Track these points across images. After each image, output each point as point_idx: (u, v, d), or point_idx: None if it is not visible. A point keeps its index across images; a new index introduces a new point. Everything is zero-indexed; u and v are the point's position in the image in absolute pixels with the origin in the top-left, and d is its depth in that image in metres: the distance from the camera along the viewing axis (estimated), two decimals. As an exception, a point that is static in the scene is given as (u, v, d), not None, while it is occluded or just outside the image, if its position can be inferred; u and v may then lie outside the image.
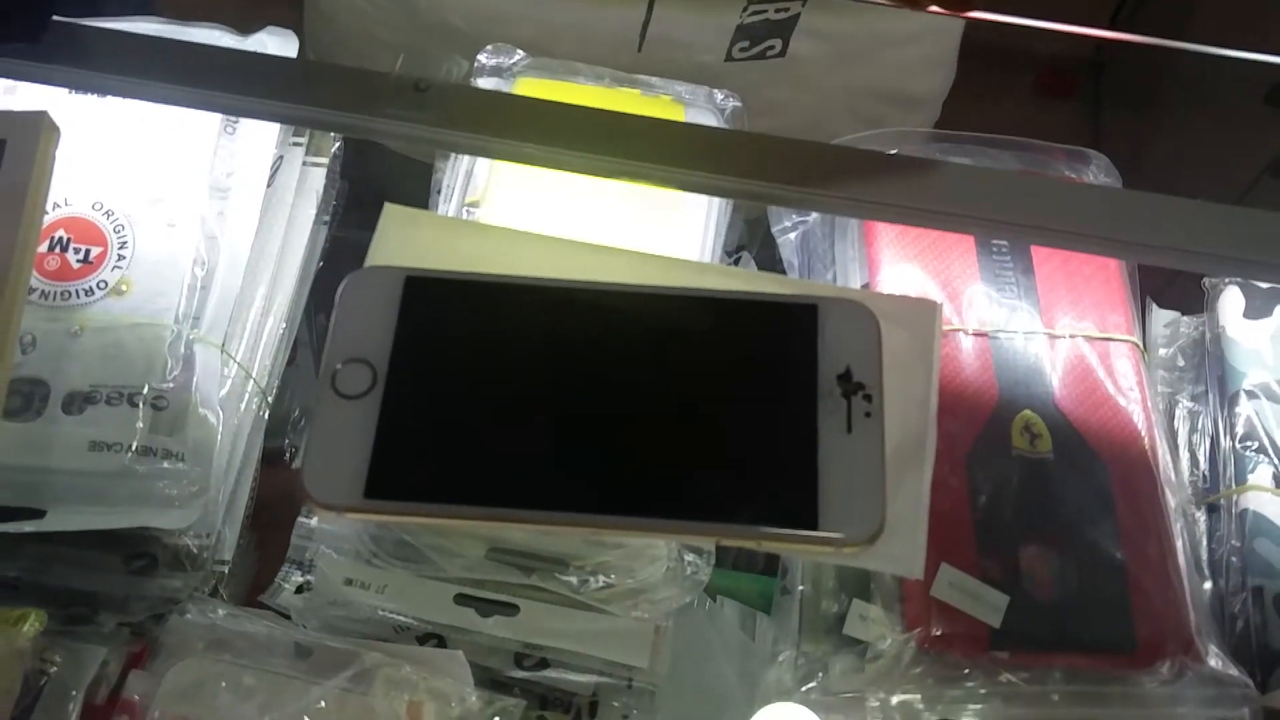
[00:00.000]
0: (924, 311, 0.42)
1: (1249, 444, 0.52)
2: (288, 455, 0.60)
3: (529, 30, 0.63)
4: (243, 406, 0.52)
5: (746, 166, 0.46)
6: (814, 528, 0.34)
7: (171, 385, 0.49)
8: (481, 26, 0.65)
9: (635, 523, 0.35)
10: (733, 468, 0.36)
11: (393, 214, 0.42)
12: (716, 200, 0.55)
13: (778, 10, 0.64)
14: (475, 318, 0.38)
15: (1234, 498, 0.50)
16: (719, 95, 0.57)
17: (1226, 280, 0.56)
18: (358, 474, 0.35)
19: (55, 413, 0.48)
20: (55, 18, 0.44)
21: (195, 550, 0.49)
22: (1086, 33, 0.51)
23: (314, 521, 0.49)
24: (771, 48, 0.65)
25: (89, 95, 0.52)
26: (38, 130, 0.40)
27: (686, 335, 0.38)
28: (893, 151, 0.54)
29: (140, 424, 0.47)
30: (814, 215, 0.54)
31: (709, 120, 0.58)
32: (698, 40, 0.64)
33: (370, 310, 0.38)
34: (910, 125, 0.74)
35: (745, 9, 0.63)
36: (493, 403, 0.37)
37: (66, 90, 0.52)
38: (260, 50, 0.56)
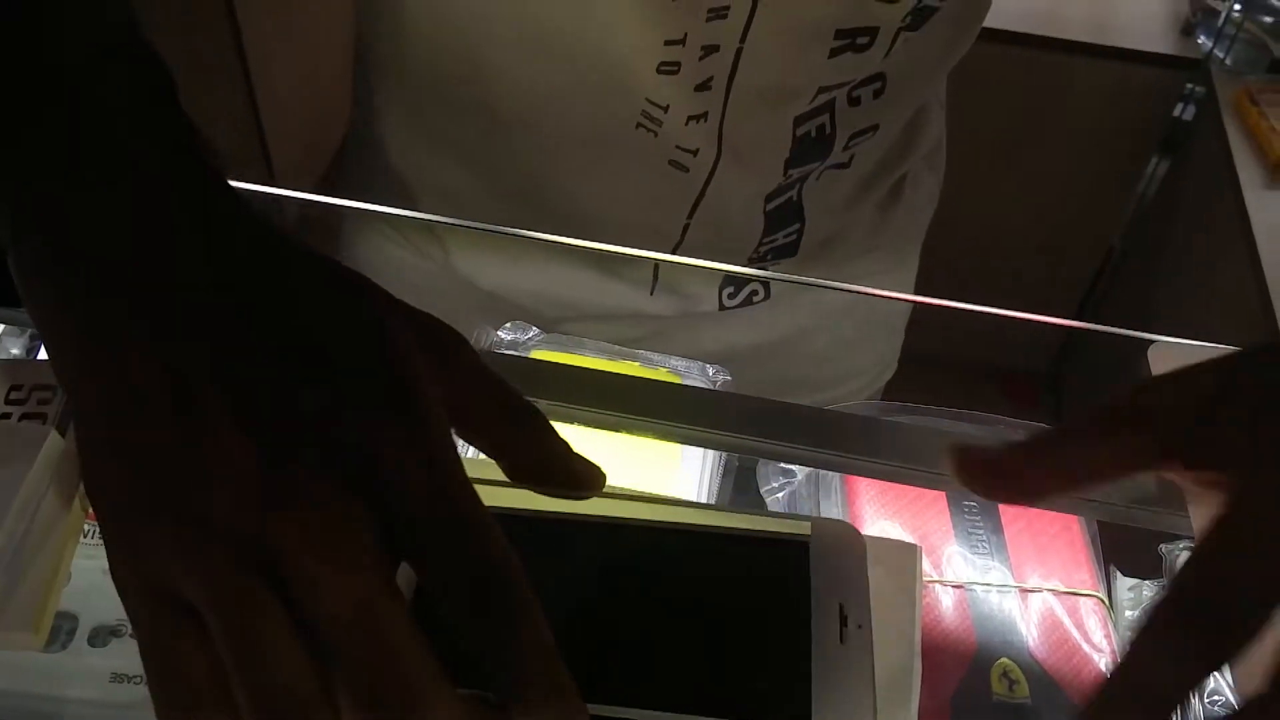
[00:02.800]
0: (905, 553, 0.45)
1: (1216, 699, 0.54)
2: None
3: (554, 291, 0.71)
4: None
5: (738, 423, 0.52)
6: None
7: (194, 620, 0.51)
8: (509, 292, 0.73)
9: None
10: (732, 687, 0.38)
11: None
12: (709, 461, 0.60)
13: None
14: None
15: (1207, 750, 0.52)
16: (710, 369, 0.63)
17: (1181, 546, 0.60)
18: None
19: (81, 645, 0.50)
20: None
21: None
22: (1050, 321, 0.58)
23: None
24: (755, 293, 0.74)
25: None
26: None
27: (686, 565, 0.41)
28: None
29: (161, 656, 0.49)
30: (800, 475, 0.59)
31: (701, 393, 0.63)
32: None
33: None
34: (884, 346, 0.80)
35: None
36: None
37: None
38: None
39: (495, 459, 0.38)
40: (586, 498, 0.38)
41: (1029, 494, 0.37)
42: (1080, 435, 0.36)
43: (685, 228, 0.68)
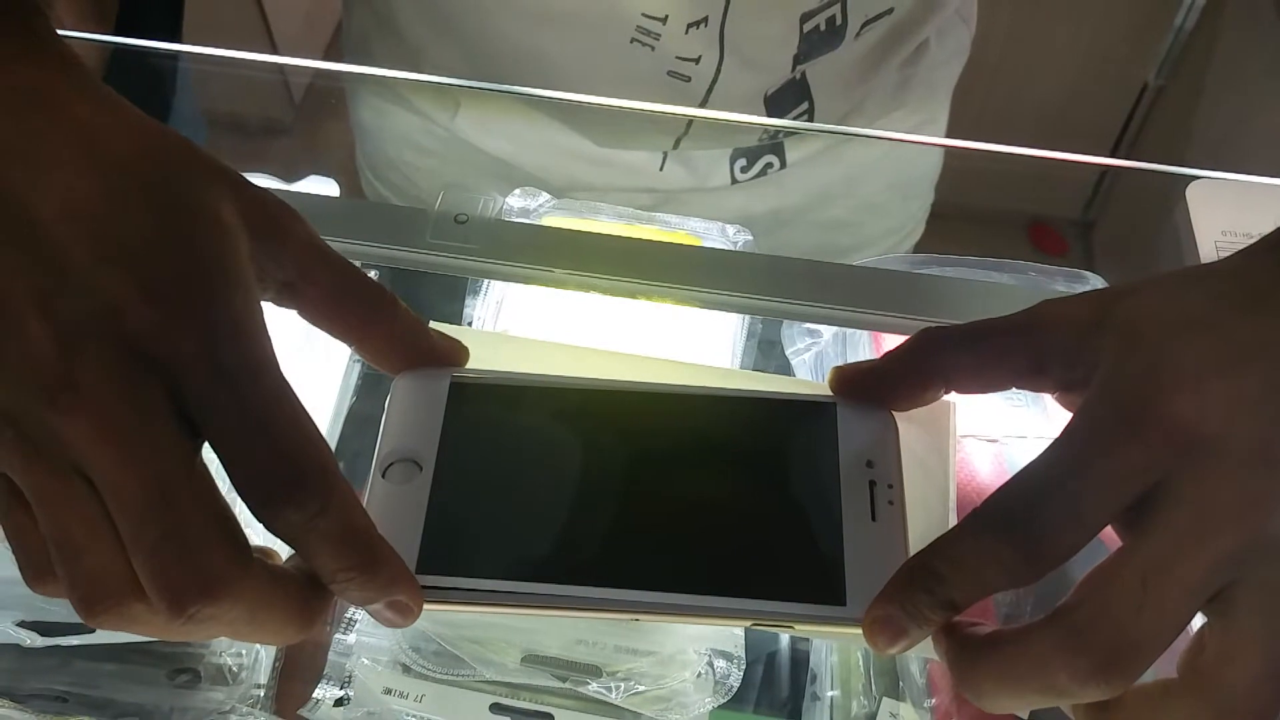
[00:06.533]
0: (939, 409, 0.44)
1: None
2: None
3: (561, 165, 0.69)
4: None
5: (762, 284, 0.50)
6: (842, 604, 0.36)
7: (219, 504, 0.51)
8: (517, 161, 0.71)
9: (670, 602, 0.36)
10: (765, 554, 0.37)
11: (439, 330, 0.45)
12: (732, 325, 0.58)
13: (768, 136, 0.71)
14: (514, 415, 0.41)
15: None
16: (730, 230, 0.61)
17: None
18: (407, 558, 0.37)
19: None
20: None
21: (235, 669, 0.50)
22: (1085, 160, 0.55)
23: (351, 638, 0.51)
24: (770, 164, 0.71)
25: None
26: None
27: (716, 430, 0.40)
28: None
29: (188, 541, 0.49)
30: (827, 335, 0.57)
31: (723, 254, 0.61)
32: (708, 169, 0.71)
33: (418, 408, 0.40)
34: (908, 212, 0.78)
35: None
36: (534, 494, 0.39)
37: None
38: (304, 196, 0.60)
39: (346, 343, 0.36)
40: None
41: (909, 401, 0.38)
42: (957, 344, 0.36)
43: (689, 123, 0.68)
